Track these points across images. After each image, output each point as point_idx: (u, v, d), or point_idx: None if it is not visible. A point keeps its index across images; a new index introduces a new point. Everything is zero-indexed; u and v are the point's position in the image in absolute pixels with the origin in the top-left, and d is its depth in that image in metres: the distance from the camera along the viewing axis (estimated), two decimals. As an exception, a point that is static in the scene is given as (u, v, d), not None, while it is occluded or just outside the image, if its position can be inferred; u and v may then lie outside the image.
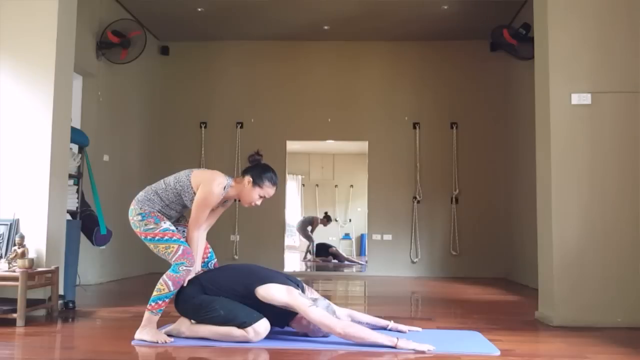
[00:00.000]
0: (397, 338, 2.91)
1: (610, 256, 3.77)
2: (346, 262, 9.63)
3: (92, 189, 4.75)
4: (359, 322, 3.25)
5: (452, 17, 6.79)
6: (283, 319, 3.12)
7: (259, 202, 3.20)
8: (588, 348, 3.04)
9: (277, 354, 2.81)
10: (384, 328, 3.33)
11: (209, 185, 3.08)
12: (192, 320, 3.15)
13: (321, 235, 11.35)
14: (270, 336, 3.02)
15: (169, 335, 3.11)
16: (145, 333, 3.03)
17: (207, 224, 3.33)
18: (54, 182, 4.02)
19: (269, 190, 3.18)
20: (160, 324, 3.42)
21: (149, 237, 3.25)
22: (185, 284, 3.13)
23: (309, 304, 2.91)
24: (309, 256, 10.12)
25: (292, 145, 7.97)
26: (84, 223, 4.59)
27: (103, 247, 5.44)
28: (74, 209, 4.49)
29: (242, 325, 2.93)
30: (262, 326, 2.95)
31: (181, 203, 3.22)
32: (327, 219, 10.78)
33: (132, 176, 7.02)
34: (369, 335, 2.90)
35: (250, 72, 7.80)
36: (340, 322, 2.93)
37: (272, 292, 2.96)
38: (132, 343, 2.98)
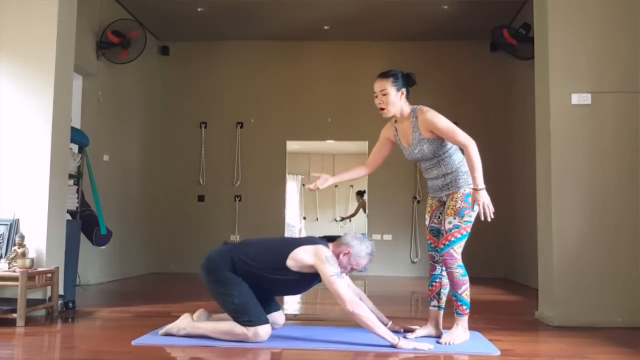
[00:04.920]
0: (399, 337, 2.92)
1: (610, 256, 3.77)
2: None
3: (92, 189, 4.75)
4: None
5: (452, 17, 6.79)
6: (307, 287, 3.15)
7: (378, 102, 3.22)
8: (588, 348, 3.04)
9: (278, 354, 2.81)
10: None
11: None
12: (194, 316, 3.16)
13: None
14: (270, 336, 3.02)
15: (169, 334, 3.12)
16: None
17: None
18: (54, 182, 4.02)
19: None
20: (159, 325, 3.42)
21: (459, 235, 3.10)
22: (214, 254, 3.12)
23: (331, 273, 2.91)
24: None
25: (292, 145, 7.97)
26: (84, 223, 4.59)
27: (103, 247, 5.44)
28: (74, 209, 4.49)
29: (248, 323, 2.93)
30: (264, 330, 2.95)
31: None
32: (359, 195, 10.91)
33: (132, 176, 7.02)
34: (374, 325, 2.89)
35: (250, 72, 7.80)
36: (353, 301, 2.90)
37: (300, 257, 2.97)
38: (133, 343, 2.97)
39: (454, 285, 3.07)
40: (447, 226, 3.08)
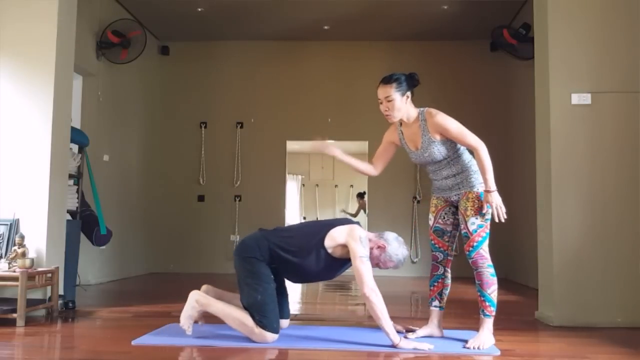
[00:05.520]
0: (400, 337, 2.92)
1: (610, 256, 3.77)
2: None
3: (92, 189, 4.75)
4: None
5: (452, 17, 6.79)
6: (337, 273, 3.17)
7: (383, 109, 3.14)
8: (588, 348, 3.04)
9: (278, 354, 2.81)
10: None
11: None
12: (202, 291, 3.18)
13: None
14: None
15: (187, 319, 3.07)
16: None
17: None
18: (54, 182, 4.01)
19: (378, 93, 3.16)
20: (159, 325, 3.42)
21: (484, 234, 3.07)
22: (247, 239, 3.12)
23: (362, 254, 2.92)
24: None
25: (292, 145, 7.97)
26: (84, 223, 4.59)
27: (103, 247, 5.44)
28: (74, 209, 4.49)
29: (259, 323, 2.93)
30: (271, 337, 2.94)
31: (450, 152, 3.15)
32: (359, 197, 10.95)
33: (132, 176, 7.02)
34: (383, 318, 2.88)
35: (250, 72, 7.80)
36: (374, 288, 2.89)
37: (335, 235, 3.00)
38: (133, 343, 2.97)
39: (483, 284, 3.03)
40: (471, 227, 3.04)
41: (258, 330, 2.93)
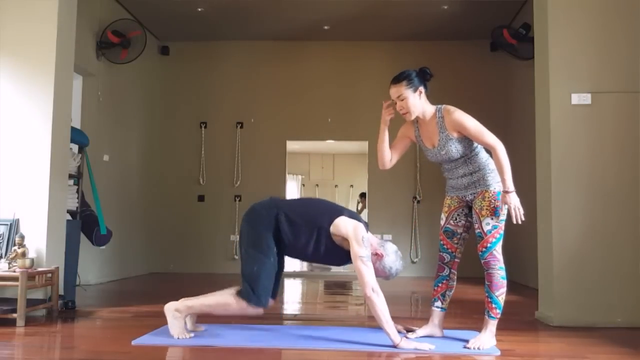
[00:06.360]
0: (401, 337, 2.92)
1: (610, 256, 3.77)
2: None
3: (92, 189, 4.75)
4: None
5: (452, 17, 6.79)
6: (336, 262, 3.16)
7: (398, 108, 3.15)
8: (588, 348, 3.04)
9: (278, 354, 2.81)
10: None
11: None
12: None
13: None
14: (271, 336, 3.02)
15: (175, 329, 3.07)
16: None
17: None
18: (54, 182, 4.02)
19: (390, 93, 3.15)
20: (159, 325, 3.42)
21: (498, 235, 3.04)
22: (258, 206, 3.12)
23: (363, 254, 2.91)
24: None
25: (292, 145, 7.97)
26: (84, 223, 4.59)
27: (103, 247, 5.44)
28: (74, 209, 4.49)
29: (246, 294, 2.93)
30: (255, 312, 2.98)
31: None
32: (362, 197, 10.87)
33: (132, 176, 7.02)
34: (384, 318, 2.88)
35: (250, 72, 7.81)
36: (375, 289, 2.88)
37: (340, 224, 2.99)
38: (133, 343, 2.97)
39: (492, 286, 3.00)
40: (486, 227, 2.99)
41: (244, 303, 2.94)
